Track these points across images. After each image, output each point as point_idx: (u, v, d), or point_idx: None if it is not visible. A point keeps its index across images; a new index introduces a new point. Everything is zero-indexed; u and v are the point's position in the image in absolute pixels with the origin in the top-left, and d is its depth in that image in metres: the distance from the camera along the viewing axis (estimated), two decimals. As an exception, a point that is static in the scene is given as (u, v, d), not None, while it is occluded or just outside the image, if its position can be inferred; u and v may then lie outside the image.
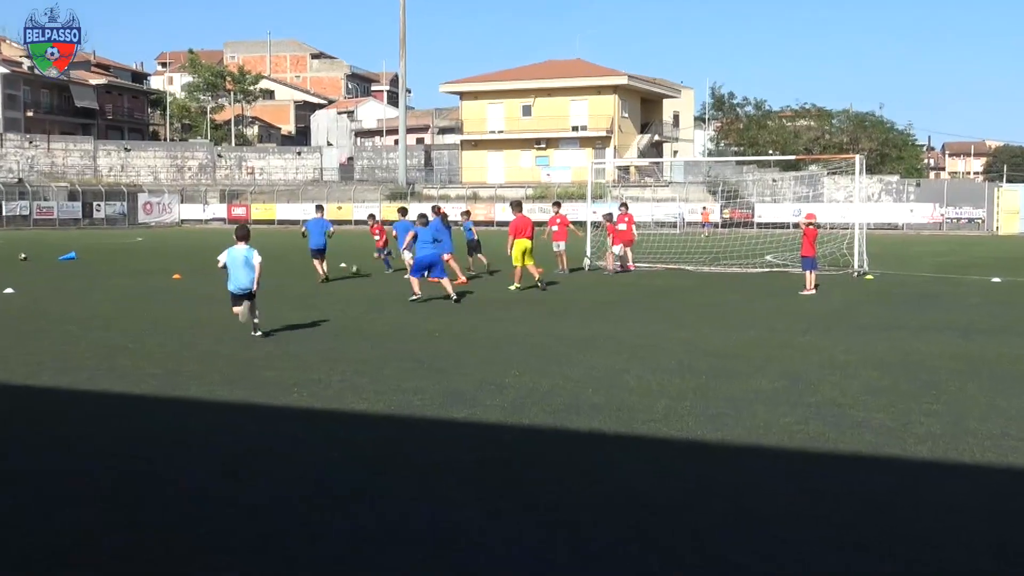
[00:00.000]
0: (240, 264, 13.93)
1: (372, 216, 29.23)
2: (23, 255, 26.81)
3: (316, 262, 23.79)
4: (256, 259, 13.98)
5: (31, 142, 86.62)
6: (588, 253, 29.27)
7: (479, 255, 27.41)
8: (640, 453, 8.03)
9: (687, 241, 36.02)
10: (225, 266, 14.02)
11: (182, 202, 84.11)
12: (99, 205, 78.85)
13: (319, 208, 26.69)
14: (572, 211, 31.90)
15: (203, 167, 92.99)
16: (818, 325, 16.08)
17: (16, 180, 79.90)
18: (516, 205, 23.03)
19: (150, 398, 10.07)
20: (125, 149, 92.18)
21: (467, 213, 28.51)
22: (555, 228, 27.37)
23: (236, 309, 13.91)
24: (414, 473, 7.36)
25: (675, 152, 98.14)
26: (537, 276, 22.16)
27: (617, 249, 27.84)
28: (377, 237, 27.28)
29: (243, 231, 14.37)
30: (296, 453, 7.97)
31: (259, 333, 14.16)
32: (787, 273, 27.48)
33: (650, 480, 7.19)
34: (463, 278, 23.05)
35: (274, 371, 11.45)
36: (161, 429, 8.81)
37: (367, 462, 7.71)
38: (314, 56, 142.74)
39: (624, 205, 30.00)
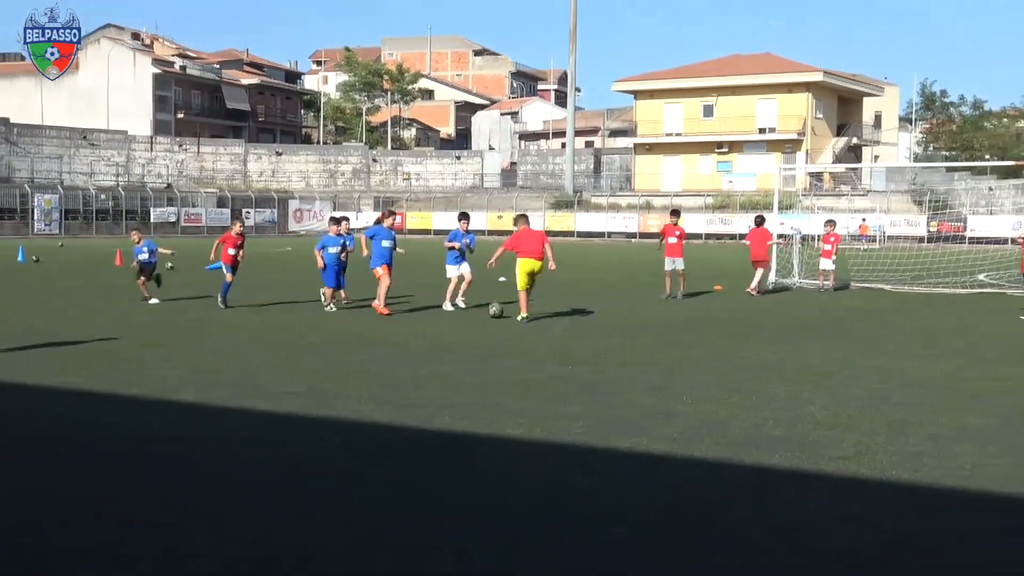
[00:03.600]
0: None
1: None
2: (169, 264, 28.07)
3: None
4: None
5: (180, 145, 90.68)
6: (774, 270, 28.86)
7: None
8: (824, 493, 7.86)
9: (888, 257, 35.05)
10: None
11: (334, 209, 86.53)
12: (248, 212, 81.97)
13: (464, 216, 22.71)
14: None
15: (357, 172, 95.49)
16: (1038, 355, 15.43)
17: (165, 185, 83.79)
18: (522, 218, 19.84)
19: (295, 417, 10.40)
20: (276, 153, 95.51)
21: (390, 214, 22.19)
22: (672, 240, 24.66)
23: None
24: (574, 517, 7.39)
25: (876, 157, 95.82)
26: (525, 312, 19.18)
27: (827, 263, 27.84)
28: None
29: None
30: (433, 487, 8.10)
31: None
32: (1003, 295, 26.45)
33: (836, 525, 7.03)
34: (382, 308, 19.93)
35: (422, 391, 11.68)
36: (299, 451, 9.10)
37: (524, 501, 7.77)
38: (477, 53, 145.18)
39: (831, 223, 29.65)
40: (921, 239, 61.40)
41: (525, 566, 6.26)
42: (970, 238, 61.24)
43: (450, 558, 6.36)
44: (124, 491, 7.77)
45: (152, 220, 75.47)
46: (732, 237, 70.16)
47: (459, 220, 22.09)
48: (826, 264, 27.85)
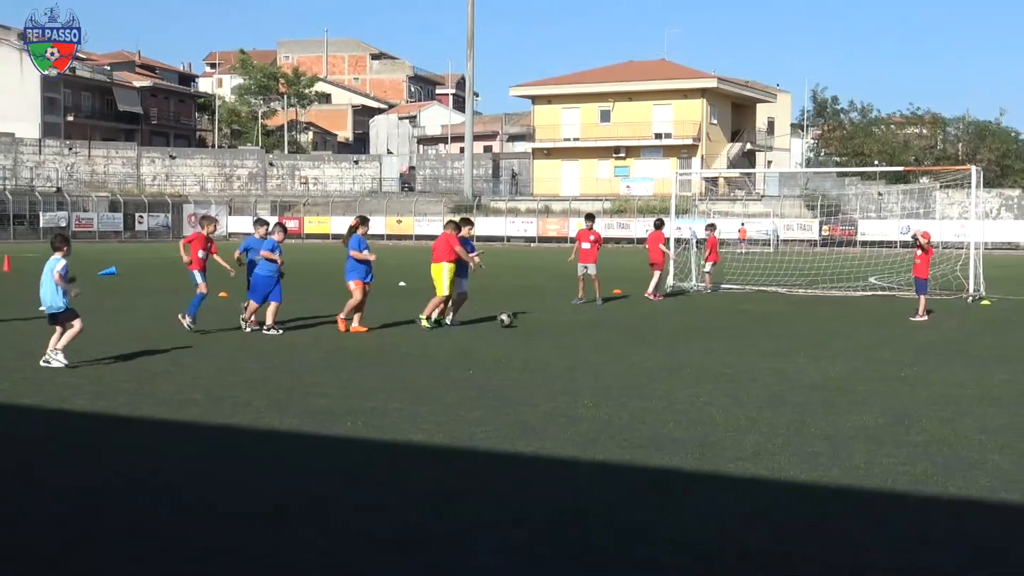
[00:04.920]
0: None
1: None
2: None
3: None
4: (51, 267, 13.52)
5: (71, 148, 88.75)
6: (672, 273, 29.25)
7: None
8: (725, 494, 7.99)
9: (781, 261, 35.73)
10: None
11: (230, 214, 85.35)
12: (142, 216, 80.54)
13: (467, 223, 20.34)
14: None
15: (253, 176, 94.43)
16: (927, 356, 15.87)
17: (54, 189, 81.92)
18: (452, 223, 19.42)
19: (193, 425, 10.25)
20: (170, 156, 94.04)
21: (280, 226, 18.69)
22: (586, 246, 24.48)
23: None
24: (477, 522, 7.40)
25: (769, 162, 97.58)
26: (436, 311, 19.04)
27: (709, 267, 28.91)
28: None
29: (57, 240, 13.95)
30: (343, 492, 8.06)
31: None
32: (894, 297, 27.14)
33: (738, 524, 7.16)
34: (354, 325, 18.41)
35: (324, 398, 11.60)
36: (205, 458, 8.97)
37: (425, 503, 7.77)
38: (374, 56, 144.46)
39: (712, 227, 30.40)
40: (814, 243, 62.68)
41: (426, 570, 6.27)
42: (861, 242, 62.69)
43: (347, 561, 6.33)
44: None
45: (41, 225, 73.71)
46: (630, 241, 70.86)
47: (464, 226, 19.79)
48: (706, 267, 28.98)
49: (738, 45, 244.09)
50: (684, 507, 7.61)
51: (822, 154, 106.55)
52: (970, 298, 26.00)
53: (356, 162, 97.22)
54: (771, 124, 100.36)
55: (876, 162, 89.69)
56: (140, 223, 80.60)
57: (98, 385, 12.32)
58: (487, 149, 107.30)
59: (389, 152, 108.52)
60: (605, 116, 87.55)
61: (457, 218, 20.06)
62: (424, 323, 18.68)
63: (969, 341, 17.95)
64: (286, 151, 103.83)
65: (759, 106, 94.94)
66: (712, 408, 11.12)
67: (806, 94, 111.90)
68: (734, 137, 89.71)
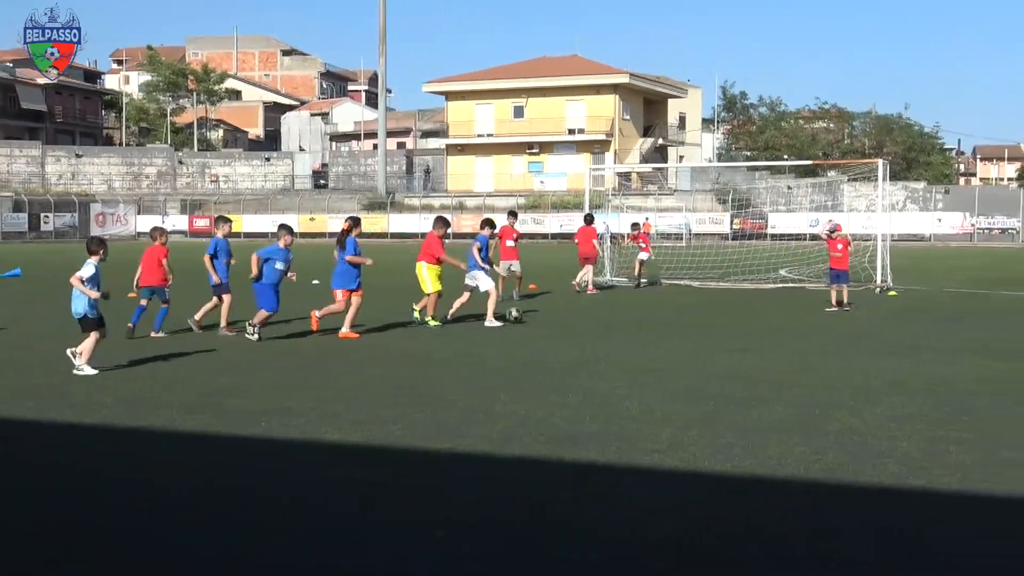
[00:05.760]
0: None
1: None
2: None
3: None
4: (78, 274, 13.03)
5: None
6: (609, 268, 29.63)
7: None
8: (642, 486, 8.05)
9: (694, 254, 36.09)
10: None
11: (139, 213, 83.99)
12: (47, 216, 78.87)
13: (488, 224, 20.93)
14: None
15: (162, 175, 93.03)
16: (837, 346, 16.15)
17: (-45, 189, 79.98)
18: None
19: (102, 428, 10.06)
20: (76, 155, 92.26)
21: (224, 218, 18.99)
22: (510, 244, 24.51)
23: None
24: (395, 521, 7.37)
25: (681, 157, 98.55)
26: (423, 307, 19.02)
27: (645, 256, 29.37)
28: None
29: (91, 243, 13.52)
30: (256, 491, 7.98)
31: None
32: (804, 289, 27.58)
33: (656, 516, 7.21)
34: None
35: (240, 399, 11.46)
36: (111, 462, 8.81)
37: (342, 506, 7.71)
38: (285, 53, 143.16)
39: (636, 225, 30.87)
40: (725, 236, 63.47)
41: (351, 570, 6.22)
42: (771, 235, 63.58)
43: (265, 566, 6.27)
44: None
45: (-58, 226, 71.93)
46: (544, 237, 71.10)
47: (483, 227, 20.41)
48: (642, 256, 29.29)
49: (649, 41, 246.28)
50: (604, 501, 7.64)
51: (732, 149, 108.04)
52: (878, 289, 26.53)
53: (268, 159, 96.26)
54: (682, 119, 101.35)
55: (785, 156, 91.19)
56: (46, 223, 78.86)
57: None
58: (400, 146, 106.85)
59: (301, 149, 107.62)
60: (519, 112, 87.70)
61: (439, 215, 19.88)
62: (432, 322, 18.55)
63: (878, 332, 18.29)
64: (196, 149, 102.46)
65: (670, 101, 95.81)
66: (628, 402, 11.19)
67: (716, 89, 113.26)
68: (646, 132, 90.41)
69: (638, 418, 10.35)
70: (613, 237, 33.20)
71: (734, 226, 68.07)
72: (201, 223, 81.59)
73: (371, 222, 78.73)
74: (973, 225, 71.54)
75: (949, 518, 7.28)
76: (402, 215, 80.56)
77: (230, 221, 18.81)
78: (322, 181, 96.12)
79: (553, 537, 6.78)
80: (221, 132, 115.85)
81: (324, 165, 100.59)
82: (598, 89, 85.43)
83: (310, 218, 78.99)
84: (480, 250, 19.50)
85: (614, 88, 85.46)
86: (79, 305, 13.05)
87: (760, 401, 11.26)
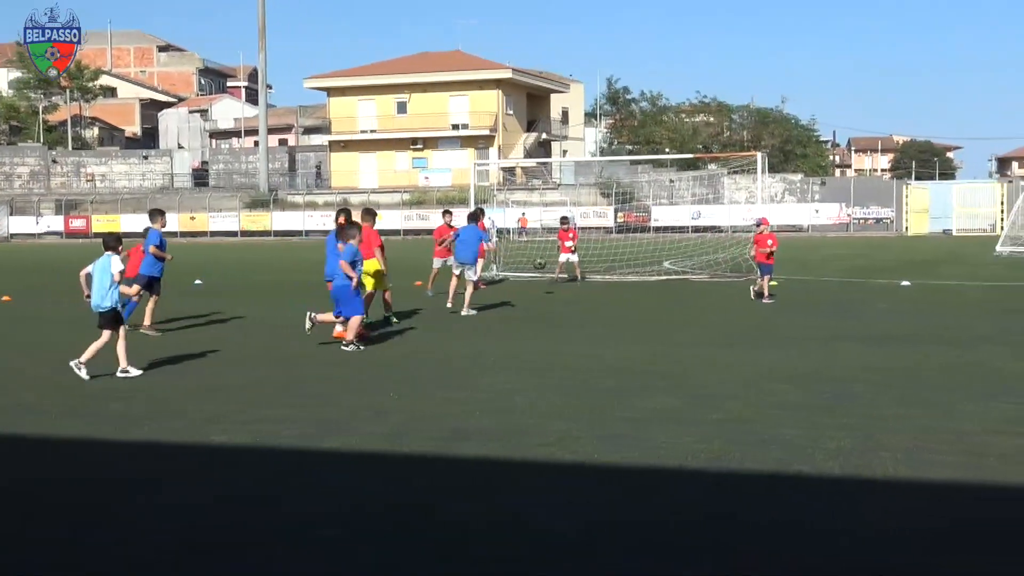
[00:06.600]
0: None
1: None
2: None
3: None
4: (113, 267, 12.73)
5: None
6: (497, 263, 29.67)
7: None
8: (532, 480, 8.10)
9: (579, 248, 36.34)
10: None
11: (11, 214, 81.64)
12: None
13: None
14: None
15: (35, 174, 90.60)
16: (721, 336, 16.44)
17: None
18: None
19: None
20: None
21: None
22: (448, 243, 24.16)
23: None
24: (286, 522, 7.30)
25: (564, 152, 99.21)
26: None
27: (564, 257, 29.01)
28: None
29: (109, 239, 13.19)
30: (135, 498, 7.84)
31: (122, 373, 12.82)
32: (688, 281, 27.99)
33: (547, 510, 7.26)
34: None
35: (123, 402, 11.23)
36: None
37: (233, 508, 7.62)
38: (162, 49, 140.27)
39: (564, 219, 30.98)
40: (610, 230, 64.08)
41: (246, 571, 6.15)
42: (654, 227, 64.39)
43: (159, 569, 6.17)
44: None
45: None
46: (429, 232, 70.84)
47: (480, 217, 21.74)
48: (570, 257, 28.89)
49: (531, 37, 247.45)
50: (494, 496, 7.67)
51: (615, 143, 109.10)
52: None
53: (145, 157, 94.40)
54: (565, 114, 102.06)
55: (667, 150, 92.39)
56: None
57: None
58: (282, 142, 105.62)
59: (180, 147, 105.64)
60: (402, 108, 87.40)
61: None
62: (466, 312, 19.79)
63: (761, 322, 18.65)
64: (70, 148, 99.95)
65: (553, 96, 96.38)
66: (517, 396, 11.23)
67: (599, 84, 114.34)
68: (530, 127, 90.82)
69: (527, 412, 10.41)
70: (500, 232, 33.28)
71: (618, 219, 68.78)
72: (77, 223, 79.68)
73: (253, 220, 77.96)
74: (849, 215, 73.46)
75: (831, 501, 7.47)
76: (286, 213, 79.73)
77: (164, 213, 18.48)
78: (200, 180, 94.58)
79: (443, 534, 6.78)
80: (96, 130, 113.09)
81: (204, 163, 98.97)
82: (481, 84, 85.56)
83: (191, 217, 77.71)
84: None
85: (497, 83, 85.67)
86: (105, 299, 12.68)
87: (648, 392, 11.41)
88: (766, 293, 22.09)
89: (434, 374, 12.92)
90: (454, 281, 21.13)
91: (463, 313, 19.92)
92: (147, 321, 17.12)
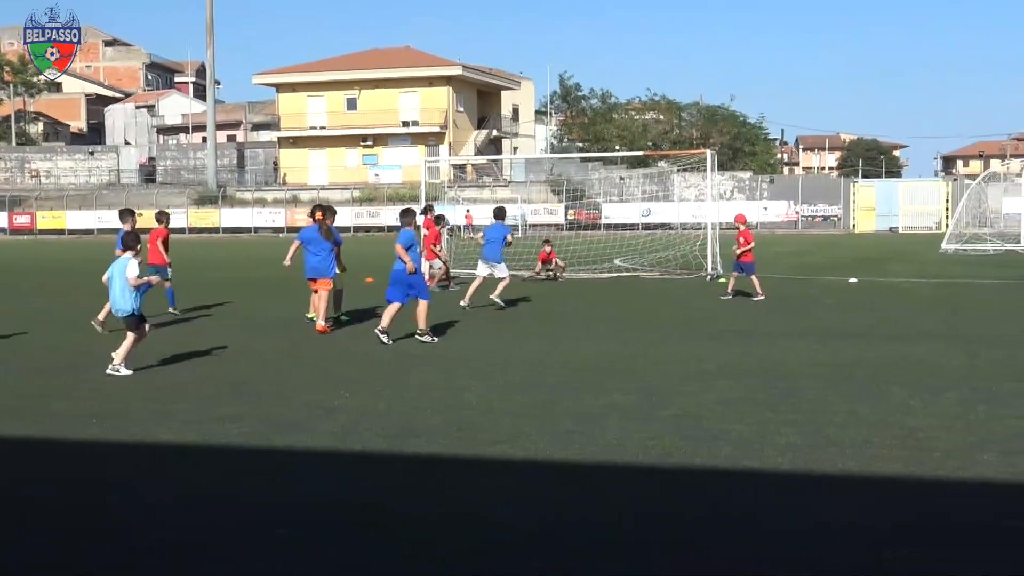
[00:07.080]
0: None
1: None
2: None
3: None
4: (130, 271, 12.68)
5: None
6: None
7: None
8: (485, 477, 8.09)
9: (529, 246, 36.38)
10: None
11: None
12: None
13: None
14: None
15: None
16: (671, 333, 16.51)
17: None
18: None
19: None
20: None
21: None
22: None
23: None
24: (236, 521, 7.24)
25: (515, 149, 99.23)
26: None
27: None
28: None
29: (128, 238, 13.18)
30: (82, 498, 7.74)
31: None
32: (638, 278, 28.09)
33: (500, 506, 7.25)
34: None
35: (67, 401, 11.08)
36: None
37: (182, 507, 7.54)
38: (107, 43, 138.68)
39: (547, 241, 30.54)
40: (560, 227, 64.19)
41: (196, 573, 6.09)
42: (605, 225, 64.59)
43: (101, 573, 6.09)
44: None
45: None
46: (380, 229, 70.79)
47: (499, 217, 21.54)
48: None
49: (481, 34, 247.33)
50: (447, 492, 7.65)
51: (565, 140, 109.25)
52: (709, 276, 27.21)
53: (91, 153, 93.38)
54: (516, 111, 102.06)
55: (617, 147, 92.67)
56: None
57: None
58: (231, 139, 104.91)
59: (127, 143, 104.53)
60: (352, 104, 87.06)
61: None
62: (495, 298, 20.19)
63: (711, 318, 18.76)
64: (14, 143, 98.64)
65: (504, 93, 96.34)
66: (467, 393, 11.22)
67: (549, 82, 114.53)
68: (480, 124, 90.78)
69: (477, 408, 10.39)
70: (451, 230, 33.17)
71: (569, 217, 68.90)
72: (22, 220, 78.63)
73: (202, 217, 77.37)
74: (797, 213, 74.11)
75: (780, 497, 7.51)
76: (234, 209, 79.18)
77: (134, 213, 18.32)
78: (147, 176, 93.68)
79: (401, 531, 6.75)
80: (41, 125, 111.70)
81: (151, 159, 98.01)
82: (431, 81, 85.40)
83: (138, 214, 76.90)
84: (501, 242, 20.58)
85: (447, 80, 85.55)
86: (127, 303, 12.64)
87: (599, 388, 11.43)
88: (729, 290, 22.22)
89: (383, 371, 12.87)
90: (477, 281, 21.12)
91: (497, 302, 20.39)
92: (101, 316, 16.92)
